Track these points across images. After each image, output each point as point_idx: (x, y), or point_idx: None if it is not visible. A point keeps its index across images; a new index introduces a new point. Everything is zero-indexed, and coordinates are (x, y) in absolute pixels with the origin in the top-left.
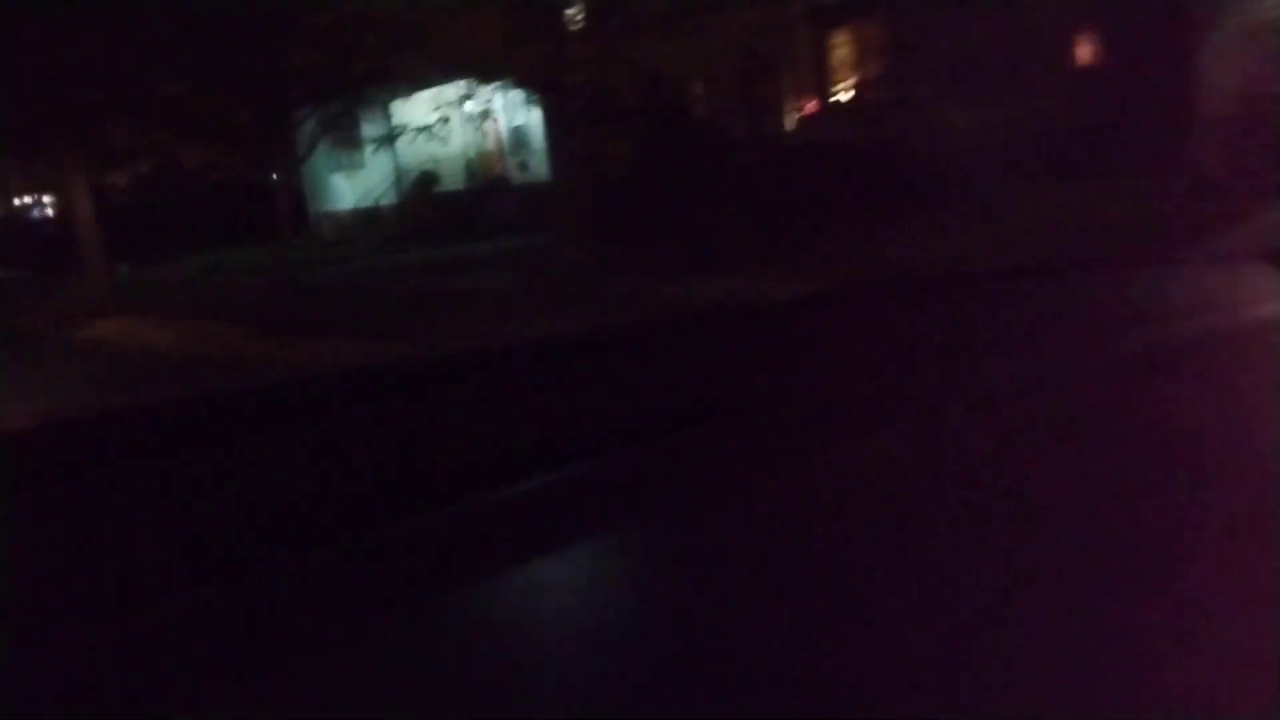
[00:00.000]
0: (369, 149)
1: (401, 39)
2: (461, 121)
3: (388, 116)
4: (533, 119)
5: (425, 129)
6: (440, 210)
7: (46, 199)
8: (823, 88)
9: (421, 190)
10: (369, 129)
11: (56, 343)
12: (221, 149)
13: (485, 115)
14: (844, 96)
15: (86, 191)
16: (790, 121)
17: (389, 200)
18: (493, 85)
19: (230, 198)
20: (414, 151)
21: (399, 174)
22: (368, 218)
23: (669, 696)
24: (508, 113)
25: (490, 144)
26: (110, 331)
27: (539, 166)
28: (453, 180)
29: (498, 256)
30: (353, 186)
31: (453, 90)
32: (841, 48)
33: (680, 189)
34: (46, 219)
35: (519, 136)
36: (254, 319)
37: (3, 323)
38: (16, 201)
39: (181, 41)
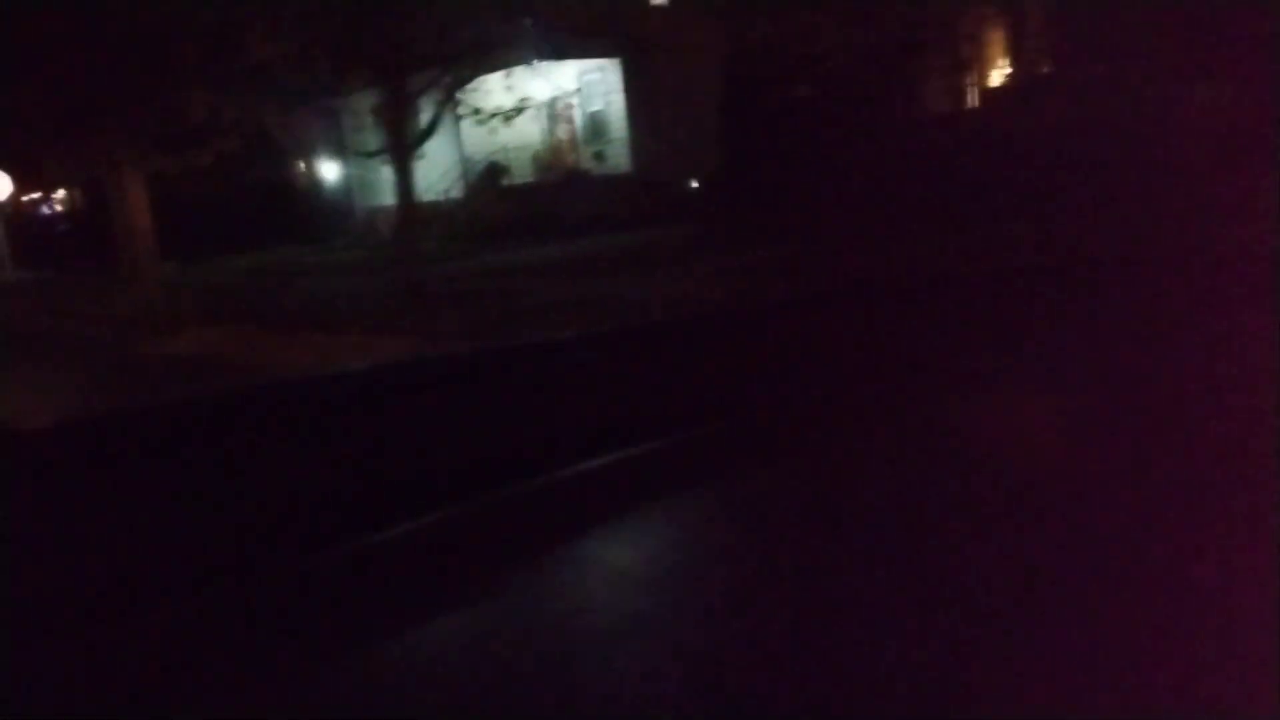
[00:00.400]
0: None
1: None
2: (532, 109)
3: (454, 101)
4: (613, 106)
5: (500, 115)
6: (515, 205)
7: (58, 195)
8: (980, 69)
9: (490, 183)
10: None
11: (142, 358)
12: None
13: (558, 102)
14: (1001, 78)
15: (139, 180)
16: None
17: (452, 194)
18: (588, 65)
19: (268, 193)
20: (475, 142)
21: (465, 165)
22: (430, 213)
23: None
24: (584, 99)
25: (562, 133)
26: (196, 345)
27: (618, 158)
28: (520, 172)
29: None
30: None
31: (524, 73)
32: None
33: (840, 176)
34: (56, 216)
35: (596, 125)
36: (366, 328)
37: (61, 333)
38: (24, 198)
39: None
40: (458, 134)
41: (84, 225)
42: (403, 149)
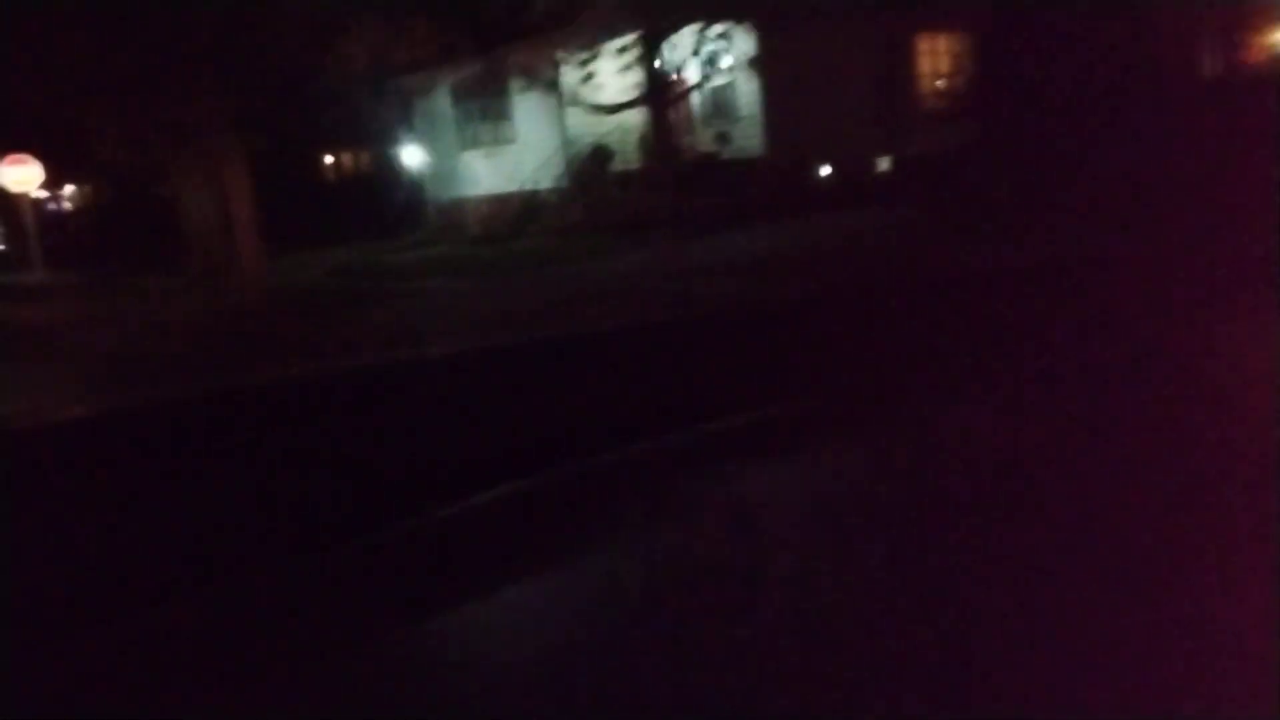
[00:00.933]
0: (519, 121)
1: None
2: (637, 86)
3: (552, 79)
4: (742, 81)
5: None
6: (635, 194)
7: (68, 190)
8: None
9: (596, 169)
10: (520, 98)
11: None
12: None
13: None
14: None
15: (240, 160)
16: None
17: (548, 183)
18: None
19: (334, 181)
20: (576, 123)
21: (567, 150)
22: (531, 205)
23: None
24: (703, 72)
25: (673, 112)
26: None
27: (747, 140)
28: (625, 158)
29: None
30: (493, 167)
31: (630, 45)
32: None
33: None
34: (65, 213)
35: (719, 102)
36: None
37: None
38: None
39: None
40: (559, 115)
41: (110, 221)
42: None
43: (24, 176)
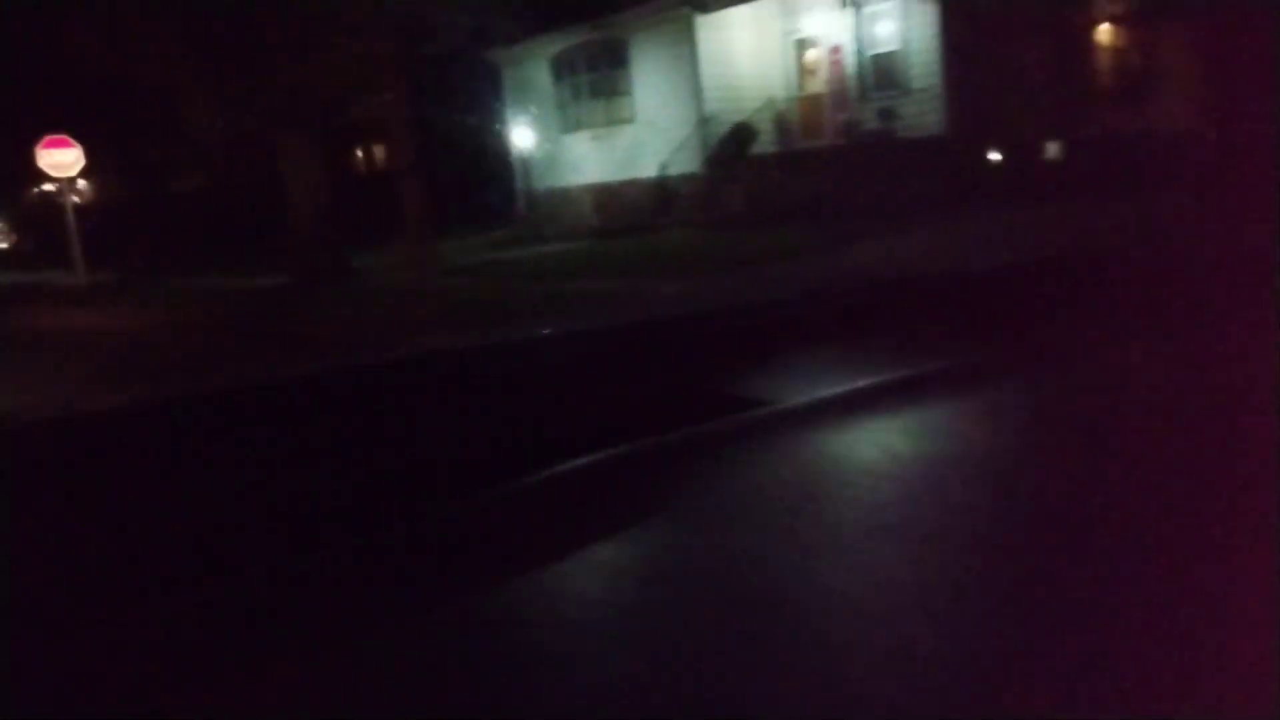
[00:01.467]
0: (640, 97)
1: None
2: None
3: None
4: (914, 48)
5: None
6: (795, 178)
7: (81, 184)
8: None
9: (736, 150)
10: (642, 70)
11: None
12: None
13: (812, 45)
14: None
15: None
16: None
17: (677, 168)
18: None
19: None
20: (703, 98)
21: (703, 127)
22: (658, 193)
23: None
24: (862, 41)
25: (819, 84)
26: None
27: (921, 115)
28: (766, 138)
29: None
30: (602, 151)
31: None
32: None
33: None
34: (81, 208)
35: (882, 72)
36: None
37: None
38: (35, 189)
39: None
40: (695, 87)
41: (158, 215)
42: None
43: (63, 160)
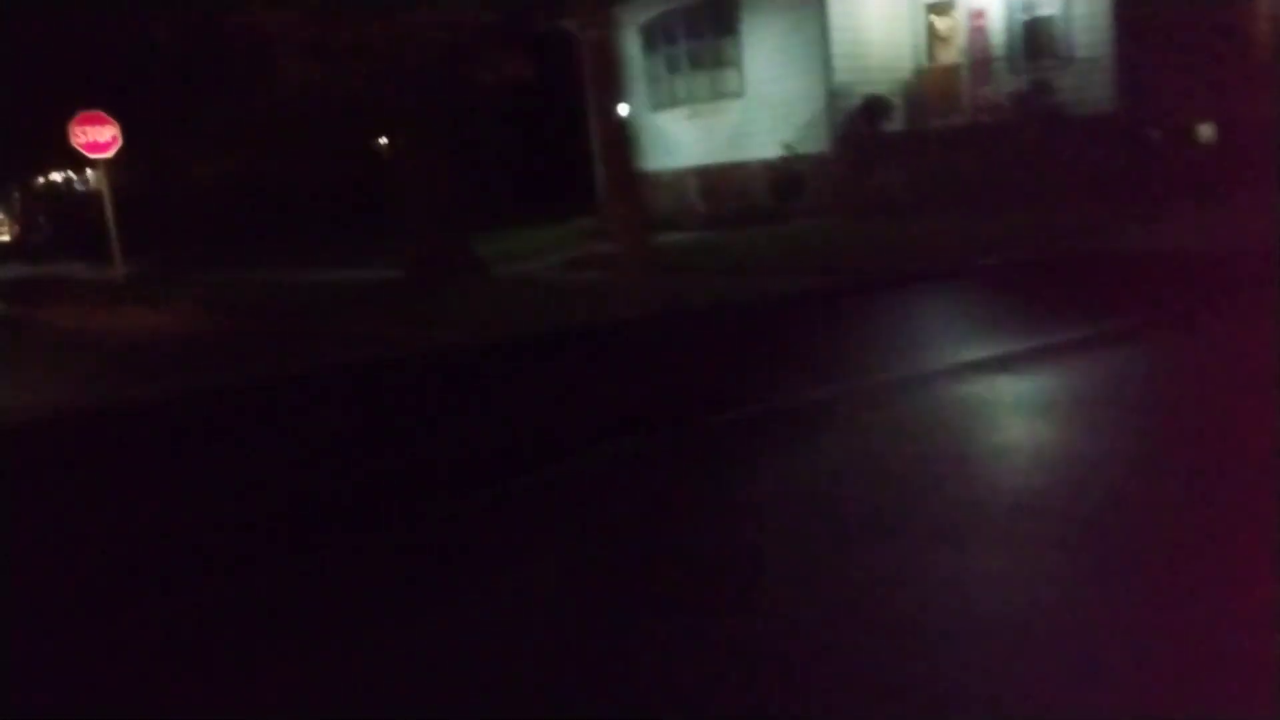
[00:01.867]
0: (750, 68)
1: None
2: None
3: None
4: (1078, 12)
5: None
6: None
7: (89, 173)
8: None
9: (869, 127)
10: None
11: None
12: None
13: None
14: None
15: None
16: None
17: (803, 148)
18: None
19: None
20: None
21: (831, 101)
22: (780, 176)
23: None
24: (1013, 5)
25: (954, 54)
26: None
27: (1089, 89)
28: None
29: None
30: (702, 130)
31: None
32: None
33: None
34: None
35: (1037, 39)
36: None
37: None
38: (40, 180)
39: None
40: (825, 55)
41: (185, 204)
42: None
43: (99, 138)
